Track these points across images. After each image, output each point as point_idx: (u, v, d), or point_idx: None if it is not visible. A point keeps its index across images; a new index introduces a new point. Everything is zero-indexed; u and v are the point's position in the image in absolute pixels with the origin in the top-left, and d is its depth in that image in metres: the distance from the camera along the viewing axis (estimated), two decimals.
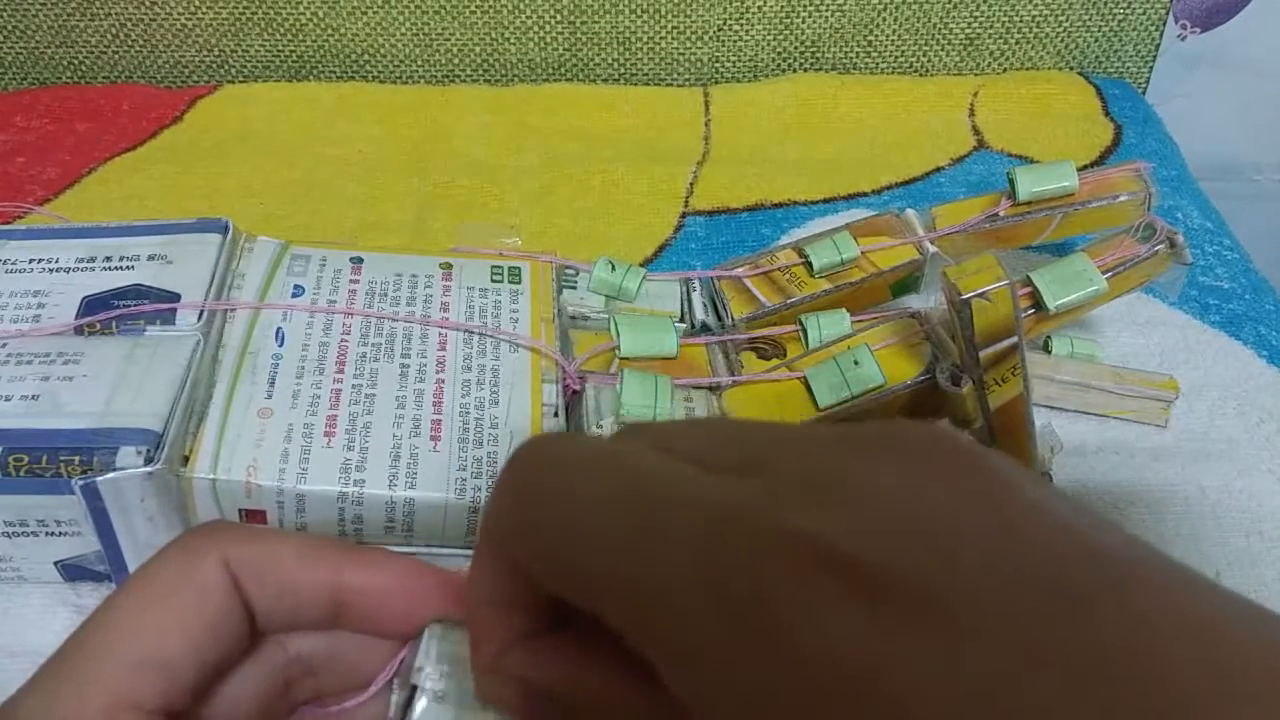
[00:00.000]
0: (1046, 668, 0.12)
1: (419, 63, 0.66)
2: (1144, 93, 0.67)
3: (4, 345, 0.35)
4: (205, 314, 0.36)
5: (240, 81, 0.65)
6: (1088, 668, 0.12)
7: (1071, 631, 0.12)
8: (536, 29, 0.64)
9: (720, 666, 0.14)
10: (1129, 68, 0.67)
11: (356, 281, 0.38)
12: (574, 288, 0.41)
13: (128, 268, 0.37)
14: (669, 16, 0.64)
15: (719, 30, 0.65)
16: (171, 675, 0.20)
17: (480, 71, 0.66)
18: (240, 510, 0.32)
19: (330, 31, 0.64)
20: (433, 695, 0.22)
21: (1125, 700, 0.12)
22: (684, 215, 0.53)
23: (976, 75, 0.66)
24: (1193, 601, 0.13)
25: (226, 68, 0.66)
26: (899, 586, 0.13)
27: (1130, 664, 0.12)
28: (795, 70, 0.66)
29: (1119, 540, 0.14)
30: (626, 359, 0.37)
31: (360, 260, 0.39)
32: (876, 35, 0.65)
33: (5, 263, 0.38)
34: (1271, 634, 0.13)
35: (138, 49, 0.65)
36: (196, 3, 0.63)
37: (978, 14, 0.65)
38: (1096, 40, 0.66)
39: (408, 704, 0.22)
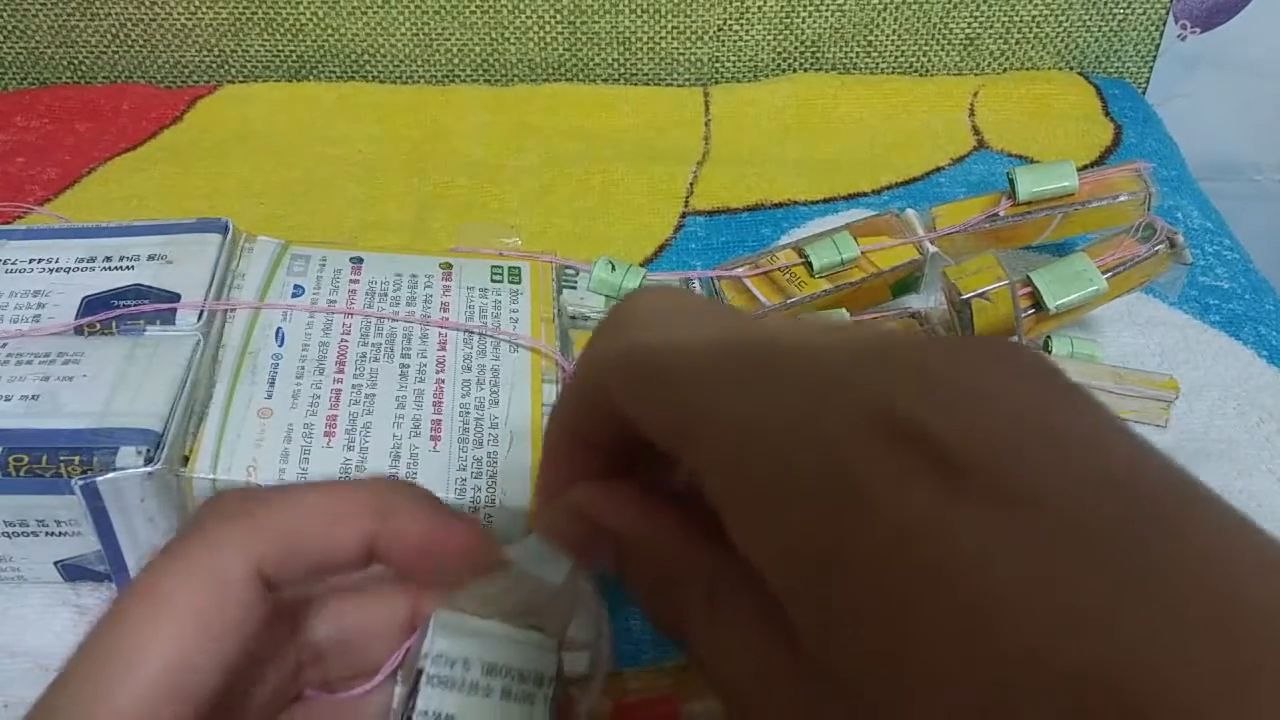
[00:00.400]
0: (1113, 565, 0.13)
1: (419, 63, 0.66)
2: (1144, 93, 0.67)
3: (4, 345, 0.35)
4: (205, 314, 0.36)
5: (240, 81, 0.65)
6: (1158, 572, 0.12)
7: (1146, 537, 0.13)
8: (536, 29, 0.64)
9: (800, 515, 0.15)
10: (1129, 68, 0.67)
11: (356, 281, 0.38)
12: (574, 288, 0.41)
13: (128, 268, 0.38)
14: (669, 16, 0.64)
15: (719, 30, 0.65)
16: (198, 683, 0.20)
17: (480, 71, 0.66)
18: None
19: (330, 31, 0.64)
20: (437, 683, 0.22)
21: (1198, 610, 0.12)
22: (684, 215, 0.53)
23: (976, 75, 0.66)
24: (1248, 530, 0.14)
25: (226, 68, 0.66)
26: (978, 468, 0.14)
27: (1206, 575, 0.13)
28: (795, 70, 0.66)
29: (1179, 468, 0.15)
30: None
31: (360, 260, 0.39)
32: (876, 35, 0.65)
33: (5, 263, 0.38)
34: None
35: (138, 49, 0.65)
36: (196, 3, 0.63)
37: (978, 14, 0.65)
38: (1096, 40, 0.66)
39: (412, 692, 0.22)
